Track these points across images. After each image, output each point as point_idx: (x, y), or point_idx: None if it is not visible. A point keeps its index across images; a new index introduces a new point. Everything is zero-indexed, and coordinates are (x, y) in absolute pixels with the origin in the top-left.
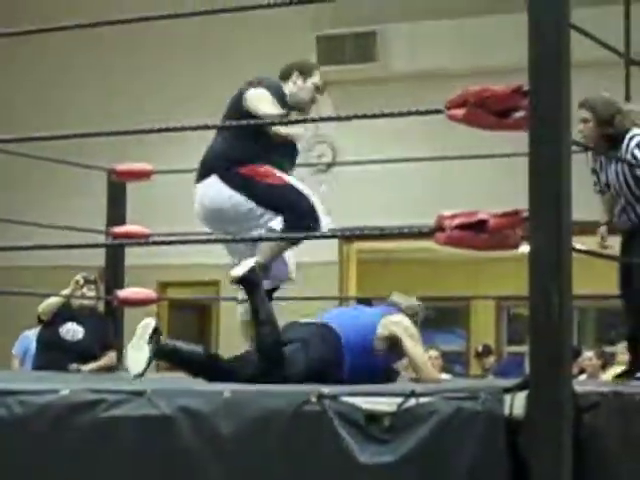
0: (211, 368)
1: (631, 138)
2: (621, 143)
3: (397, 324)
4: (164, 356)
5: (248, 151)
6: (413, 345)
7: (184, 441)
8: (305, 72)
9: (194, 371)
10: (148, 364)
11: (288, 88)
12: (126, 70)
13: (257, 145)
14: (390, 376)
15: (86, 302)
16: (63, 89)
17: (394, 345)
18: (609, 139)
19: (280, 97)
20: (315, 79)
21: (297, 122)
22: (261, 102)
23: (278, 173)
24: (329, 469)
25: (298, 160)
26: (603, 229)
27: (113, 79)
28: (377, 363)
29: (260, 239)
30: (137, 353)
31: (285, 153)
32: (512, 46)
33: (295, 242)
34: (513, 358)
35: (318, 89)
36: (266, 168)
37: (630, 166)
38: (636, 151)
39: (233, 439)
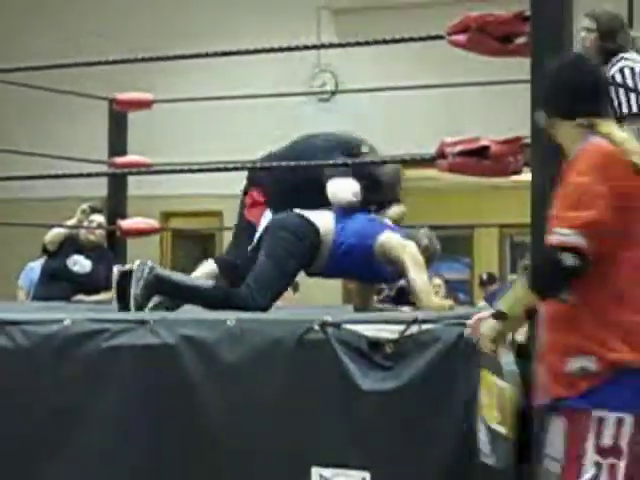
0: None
1: (618, 60)
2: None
3: (402, 246)
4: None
5: None
6: (416, 272)
7: (187, 370)
8: None
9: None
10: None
11: None
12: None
13: None
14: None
15: (93, 237)
16: (64, 17)
17: (392, 264)
18: (607, 54)
19: None
20: None
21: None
22: None
23: None
24: (332, 396)
25: (301, 89)
26: None
27: (114, 10)
28: (375, 269)
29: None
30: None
31: None
32: None
33: None
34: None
35: None
36: None
37: None
38: (617, 75)
39: (236, 368)
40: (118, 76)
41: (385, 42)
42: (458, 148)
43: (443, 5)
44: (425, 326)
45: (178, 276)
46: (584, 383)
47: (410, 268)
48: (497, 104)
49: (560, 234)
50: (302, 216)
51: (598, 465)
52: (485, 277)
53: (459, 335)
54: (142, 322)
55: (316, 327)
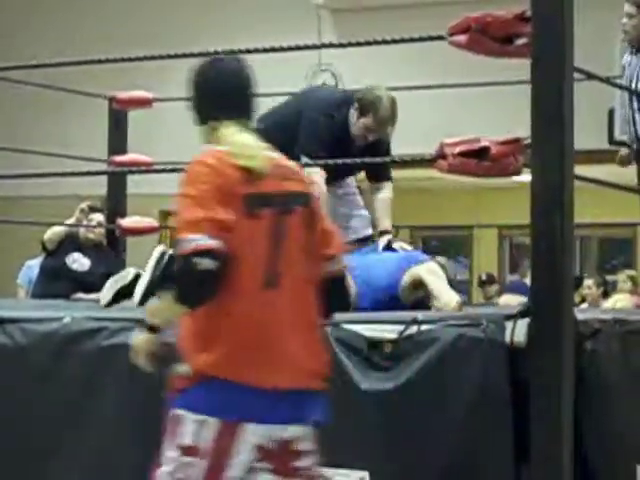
0: None
1: None
2: None
3: (420, 268)
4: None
5: None
6: (433, 279)
7: None
8: None
9: None
10: (113, 296)
11: None
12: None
13: None
14: None
15: (92, 235)
16: (65, 17)
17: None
18: None
19: None
20: None
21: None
22: None
23: None
24: (331, 395)
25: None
26: (624, 151)
27: (114, 9)
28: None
29: None
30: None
31: None
32: None
33: None
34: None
35: None
36: None
37: None
38: None
39: None
40: (116, 76)
41: (385, 42)
42: (458, 149)
43: (443, 5)
44: (424, 327)
45: None
46: (179, 385)
47: (427, 278)
48: (497, 105)
49: (191, 240)
50: None
51: (176, 461)
52: (484, 277)
53: (458, 336)
54: (141, 321)
55: None
